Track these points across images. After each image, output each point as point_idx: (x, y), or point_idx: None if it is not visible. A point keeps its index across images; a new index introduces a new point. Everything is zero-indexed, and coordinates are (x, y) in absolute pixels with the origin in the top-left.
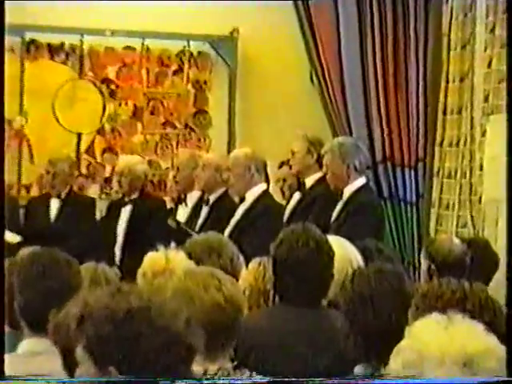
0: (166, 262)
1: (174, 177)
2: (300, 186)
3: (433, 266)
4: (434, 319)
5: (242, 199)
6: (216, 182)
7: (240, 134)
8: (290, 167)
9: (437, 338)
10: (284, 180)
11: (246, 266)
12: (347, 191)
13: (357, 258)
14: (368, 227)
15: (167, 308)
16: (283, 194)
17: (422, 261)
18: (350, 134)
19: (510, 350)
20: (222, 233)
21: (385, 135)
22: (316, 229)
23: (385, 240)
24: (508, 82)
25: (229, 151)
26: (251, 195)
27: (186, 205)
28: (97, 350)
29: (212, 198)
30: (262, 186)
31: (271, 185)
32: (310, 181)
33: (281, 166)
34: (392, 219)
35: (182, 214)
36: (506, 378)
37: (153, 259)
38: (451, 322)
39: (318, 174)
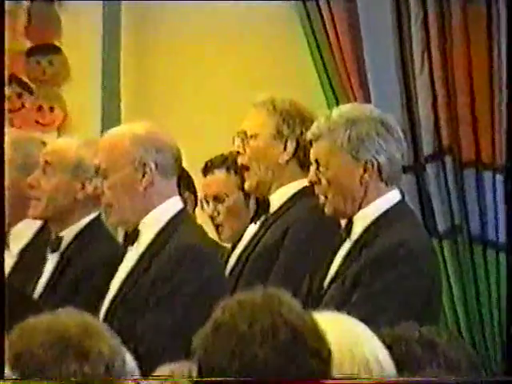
0: None
1: None
2: (259, 207)
3: None
4: None
5: (132, 235)
6: (75, 198)
7: (129, 95)
8: (227, 169)
9: None
10: (216, 198)
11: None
12: (361, 220)
13: (379, 358)
14: (405, 297)
15: None
16: (217, 228)
17: None
18: (368, 99)
19: (510, 350)
20: (92, 310)
21: (439, 101)
22: (292, 299)
23: (442, 323)
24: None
25: (103, 131)
26: (150, 225)
27: (7, 247)
28: None
29: (67, 233)
30: (174, 204)
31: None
32: (279, 197)
33: (207, 169)
34: (456, 278)
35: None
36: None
37: None
38: None
39: (299, 183)
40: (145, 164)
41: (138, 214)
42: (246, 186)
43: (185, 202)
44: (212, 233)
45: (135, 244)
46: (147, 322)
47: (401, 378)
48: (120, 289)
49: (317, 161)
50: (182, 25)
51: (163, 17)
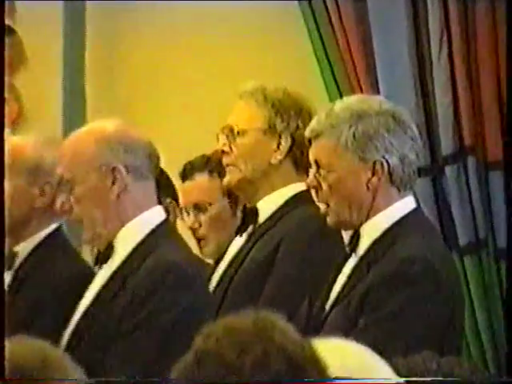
0: None
1: None
2: (245, 216)
3: None
4: None
5: (105, 252)
6: (32, 206)
7: (96, 88)
8: (210, 172)
9: None
10: (197, 207)
11: None
12: (369, 232)
13: None
14: (421, 322)
15: None
16: (199, 241)
17: None
18: (376, 90)
19: (509, 350)
20: (52, 338)
21: (460, 92)
22: (287, 324)
23: (464, 352)
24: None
25: (67, 130)
26: (126, 240)
27: None
28: None
29: (23, 248)
30: (155, 215)
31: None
32: (270, 204)
33: (185, 173)
34: (480, 300)
35: None
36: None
37: None
38: None
39: (294, 188)
40: (113, 168)
41: (113, 227)
42: (225, 181)
43: (166, 210)
44: (193, 247)
45: (108, 262)
46: (118, 353)
47: (402, 379)
48: (86, 313)
49: (317, 162)
50: (157, 11)
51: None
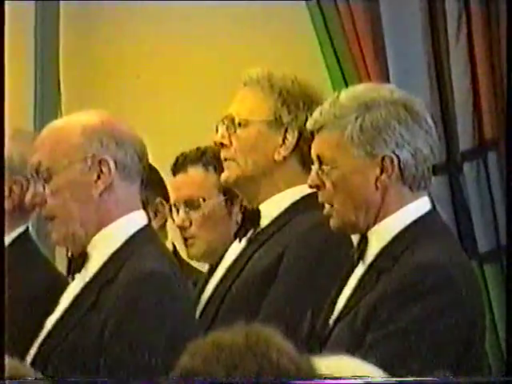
0: None
1: None
2: (245, 219)
3: None
4: None
5: (79, 258)
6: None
7: (72, 76)
8: (205, 165)
9: None
10: (188, 203)
11: None
12: (378, 237)
13: None
14: (437, 338)
15: None
16: (185, 241)
17: None
18: (386, 77)
19: (510, 350)
20: (20, 353)
21: (480, 79)
22: (283, 340)
23: (484, 370)
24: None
25: (37, 122)
26: (101, 246)
27: None
28: None
29: None
30: (135, 219)
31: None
32: (273, 206)
33: (178, 165)
34: (502, 313)
35: None
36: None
37: None
38: None
39: (300, 189)
40: (101, 161)
41: (90, 228)
42: (222, 177)
43: (155, 211)
44: (181, 248)
45: (82, 272)
46: (92, 372)
47: (404, 379)
48: (55, 328)
49: (319, 158)
50: None
51: None
